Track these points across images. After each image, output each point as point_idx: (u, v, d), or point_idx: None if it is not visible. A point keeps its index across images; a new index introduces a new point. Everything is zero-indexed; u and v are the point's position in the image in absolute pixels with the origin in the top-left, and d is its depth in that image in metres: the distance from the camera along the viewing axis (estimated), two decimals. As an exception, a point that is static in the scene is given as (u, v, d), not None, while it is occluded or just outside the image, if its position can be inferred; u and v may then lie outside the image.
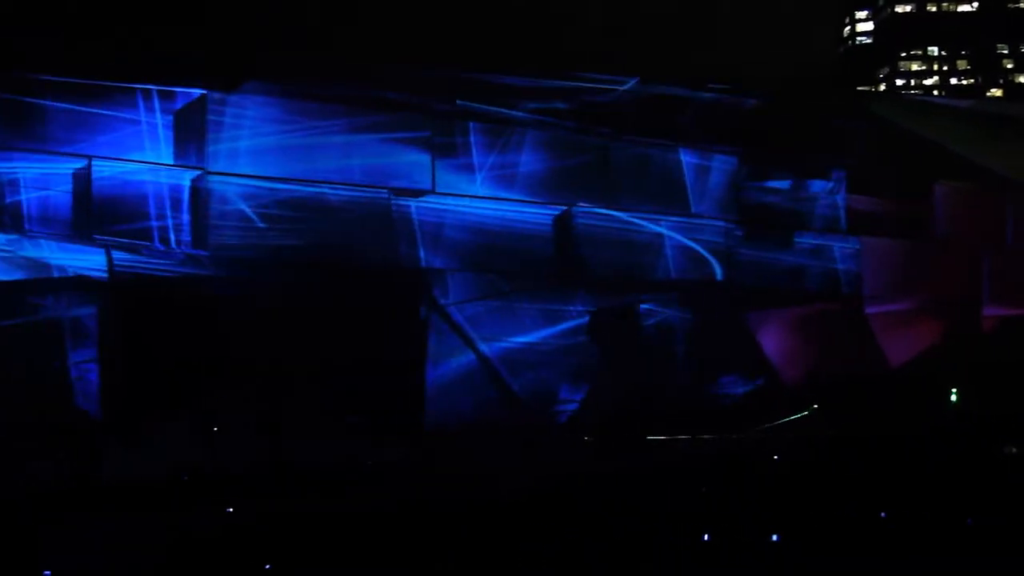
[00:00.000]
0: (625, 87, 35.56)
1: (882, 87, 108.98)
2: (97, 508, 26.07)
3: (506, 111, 34.44)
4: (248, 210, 32.93)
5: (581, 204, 34.33)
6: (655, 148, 34.99)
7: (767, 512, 22.67)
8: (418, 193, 33.63)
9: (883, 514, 22.46)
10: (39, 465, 30.05)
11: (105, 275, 32.28)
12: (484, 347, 33.96)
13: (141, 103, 32.52)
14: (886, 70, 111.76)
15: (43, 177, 32.34)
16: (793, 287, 35.55)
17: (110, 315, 32.16)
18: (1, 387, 31.28)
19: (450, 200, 33.79)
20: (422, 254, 33.66)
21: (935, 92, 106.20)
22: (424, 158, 33.67)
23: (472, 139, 34.12)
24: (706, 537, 20.80)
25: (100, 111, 32.48)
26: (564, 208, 34.24)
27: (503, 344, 34.07)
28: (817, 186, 36.22)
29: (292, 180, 33.18)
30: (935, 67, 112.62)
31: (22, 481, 28.88)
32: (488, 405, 34.00)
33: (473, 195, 33.87)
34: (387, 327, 32.99)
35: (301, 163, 33.34)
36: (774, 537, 20.50)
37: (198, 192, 32.84)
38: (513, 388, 34.20)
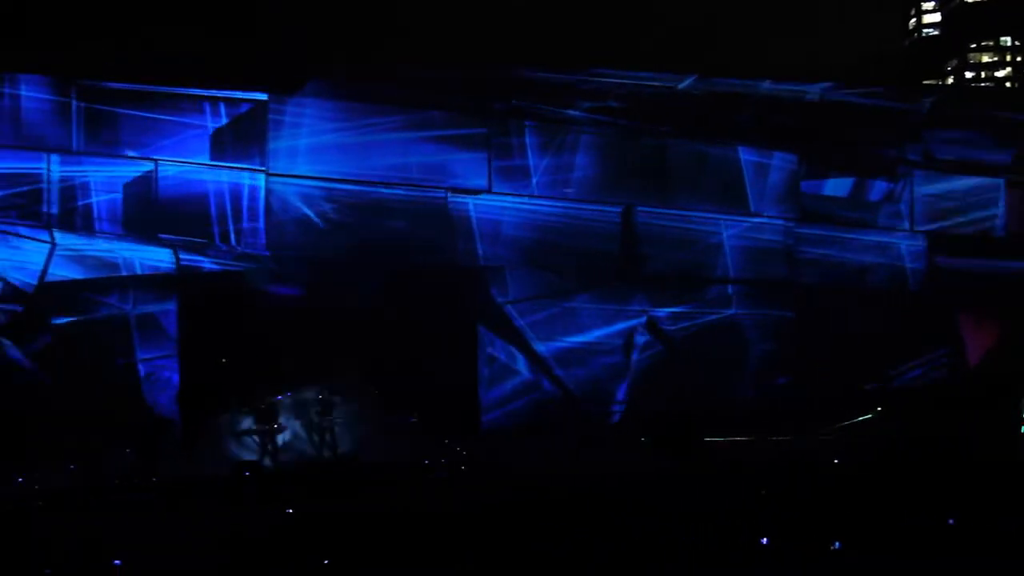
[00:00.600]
0: (683, 84, 35.26)
1: (950, 80, 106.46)
2: (162, 503, 26.59)
3: (563, 110, 34.37)
4: (307, 210, 33.36)
5: (639, 203, 34.15)
6: (714, 147, 34.66)
7: (825, 516, 22.37)
8: (475, 192, 33.74)
9: (951, 521, 21.94)
10: (105, 459, 30.79)
11: (171, 273, 32.95)
12: (540, 346, 33.96)
13: (207, 108, 33.15)
14: (955, 62, 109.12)
15: (111, 180, 33.13)
16: (857, 286, 34.96)
17: (174, 314, 32.81)
18: (72, 382, 32.09)
19: (508, 199, 33.86)
20: (480, 252, 33.79)
21: (1008, 84, 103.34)
22: (480, 157, 33.77)
23: (528, 139, 34.13)
24: (765, 540, 20.57)
25: (165, 116, 33.18)
26: (623, 206, 34.10)
27: (560, 343, 34.04)
28: (882, 183, 35.56)
29: (351, 180, 33.55)
30: (1008, 58, 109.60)
31: (90, 475, 29.64)
32: (543, 404, 33.99)
33: (530, 194, 33.88)
34: (444, 325, 33.15)
35: (359, 162, 33.68)
36: (836, 544, 20.22)
37: (258, 193, 33.36)
38: (569, 387, 34.15)
